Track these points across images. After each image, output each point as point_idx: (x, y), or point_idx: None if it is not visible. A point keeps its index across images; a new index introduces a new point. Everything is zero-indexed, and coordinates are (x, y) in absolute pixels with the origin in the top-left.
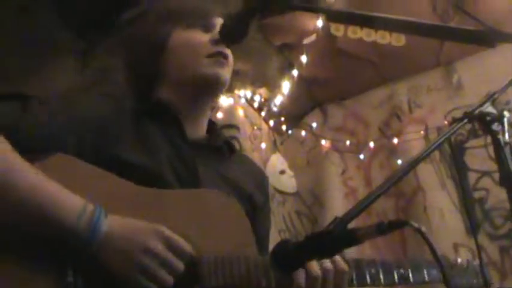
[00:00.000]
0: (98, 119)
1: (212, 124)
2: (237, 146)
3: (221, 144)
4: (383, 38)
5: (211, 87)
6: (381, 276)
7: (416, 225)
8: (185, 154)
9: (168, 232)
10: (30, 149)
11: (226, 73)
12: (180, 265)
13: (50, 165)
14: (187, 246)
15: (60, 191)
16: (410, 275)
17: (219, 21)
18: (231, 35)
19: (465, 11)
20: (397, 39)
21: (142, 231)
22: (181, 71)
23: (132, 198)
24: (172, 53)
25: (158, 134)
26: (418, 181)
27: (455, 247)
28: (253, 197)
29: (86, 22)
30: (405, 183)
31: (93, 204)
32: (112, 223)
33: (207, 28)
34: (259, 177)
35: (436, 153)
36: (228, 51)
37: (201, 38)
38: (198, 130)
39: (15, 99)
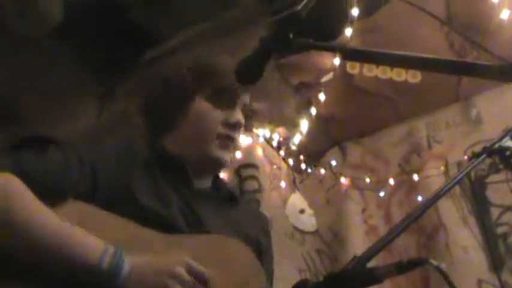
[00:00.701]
0: (116, 164)
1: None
2: (256, 186)
3: (225, 192)
4: (399, 75)
5: (210, 167)
6: None
7: (435, 263)
8: (193, 202)
9: (190, 260)
10: (49, 193)
11: (228, 156)
12: None
13: (66, 212)
14: (207, 272)
15: (80, 231)
16: None
17: (242, 101)
18: (246, 76)
19: (482, 46)
20: (413, 76)
21: (165, 261)
22: (191, 137)
23: (149, 244)
24: (189, 116)
25: (167, 182)
26: (440, 217)
27: (479, 284)
28: (259, 241)
29: (105, 65)
30: (426, 219)
31: (113, 246)
32: (134, 261)
33: (229, 104)
34: (263, 222)
35: (457, 189)
36: (237, 135)
37: (218, 115)
38: (203, 181)
39: (37, 142)
